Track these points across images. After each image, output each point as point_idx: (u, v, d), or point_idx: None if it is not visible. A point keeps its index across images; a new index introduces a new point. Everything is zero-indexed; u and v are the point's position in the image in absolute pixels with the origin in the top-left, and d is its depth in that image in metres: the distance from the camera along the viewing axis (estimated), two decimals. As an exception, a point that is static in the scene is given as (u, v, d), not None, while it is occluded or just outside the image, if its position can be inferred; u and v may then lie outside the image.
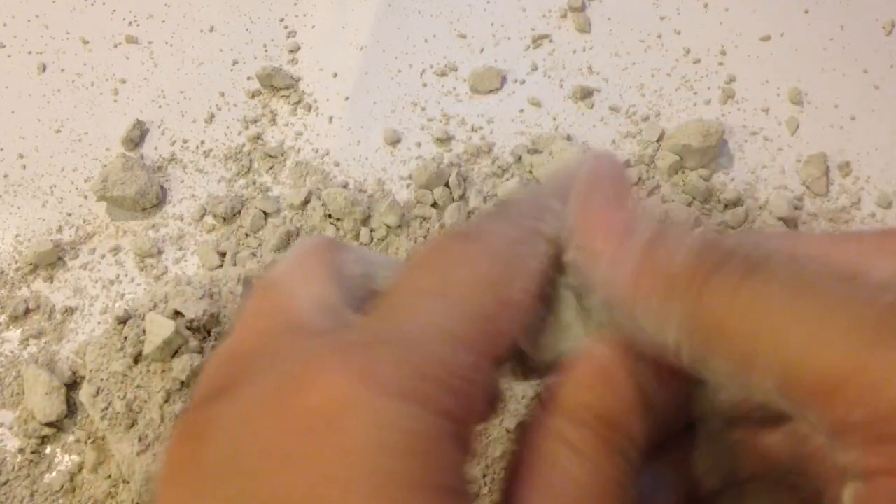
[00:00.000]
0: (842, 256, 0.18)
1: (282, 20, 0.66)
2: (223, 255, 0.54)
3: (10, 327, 0.54)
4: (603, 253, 0.19)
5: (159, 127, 0.61)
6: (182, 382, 0.45)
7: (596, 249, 0.19)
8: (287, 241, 0.55)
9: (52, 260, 0.56)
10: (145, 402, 0.45)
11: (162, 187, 0.59)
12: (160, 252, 0.56)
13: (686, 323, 0.17)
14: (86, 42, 0.66)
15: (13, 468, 0.49)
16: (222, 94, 0.62)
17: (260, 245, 0.55)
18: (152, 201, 0.58)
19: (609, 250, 0.19)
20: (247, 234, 0.56)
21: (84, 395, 0.46)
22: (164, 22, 0.66)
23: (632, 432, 0.19)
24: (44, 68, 0.64)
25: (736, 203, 0.55)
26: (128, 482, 0.45)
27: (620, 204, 0.20)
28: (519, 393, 0.45)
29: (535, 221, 0.20)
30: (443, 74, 0.62)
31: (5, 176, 0.60)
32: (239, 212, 0.57)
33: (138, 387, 0.45)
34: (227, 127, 0.61)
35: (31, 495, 0.48)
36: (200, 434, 0.18)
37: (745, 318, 0.16)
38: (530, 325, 0.20)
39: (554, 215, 0.20)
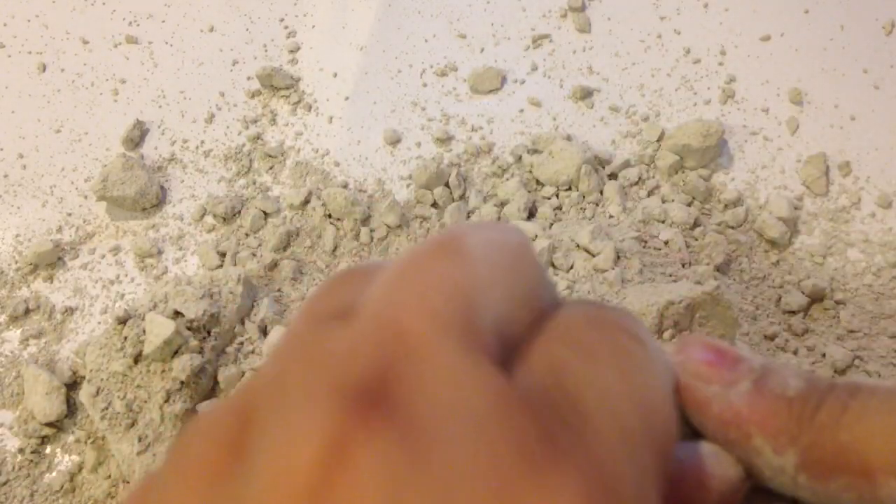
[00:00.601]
0: None
1: (282, 20, 0.66)
2: (223, 255, 0.54)
3: (10, 327, 0.54)
4: (715, 374, 0.19)
5: (159, 127, 0.61)
6: (182, 382, 0.45)
7: (707, 372, 0.19)
8: (287, 240, 0.55)
9: (52, 260, 0.56)
10: (145, 402, 0.45)
11: (162, 187, 0.59)
12: (160, 252, 0.56)
13: (803, 444, 0.17)
14: (86, 42, 0.66)
15: (13, 468, 0.49)
16: (222, 94, 0.62)
17: (260, 245, 0.55)
18: (152, 201, 0.58)
19: (721, 374, 0.19)
20: (247, 234, 0.56)
21: (84, 395, 0.46)
22: (164, 22, 0.66)
23: None
24: (44, 68, 0.64)
25: (736, 203, 0.55)
26: (128, 482, 0.45)
27: (722, 343, 0.20)
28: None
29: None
30: (443, 74, 0.62)
31: (5, 176, 0.60)
32: (239, 212, 0.57)
33: (138, 387, 0.45)
34: (227, 127, 0.61)
35: (31, 495, 0.48)
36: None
37: (855, 429, 0.17)
38: None
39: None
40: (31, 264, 0.56)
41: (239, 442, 0.13)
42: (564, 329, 0.17)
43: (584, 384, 0.15)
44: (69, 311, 0.54)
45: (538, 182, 0.56)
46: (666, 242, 0.52)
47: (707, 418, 0.19)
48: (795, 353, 0.49)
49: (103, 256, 0.56)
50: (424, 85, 0.62)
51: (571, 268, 0.50)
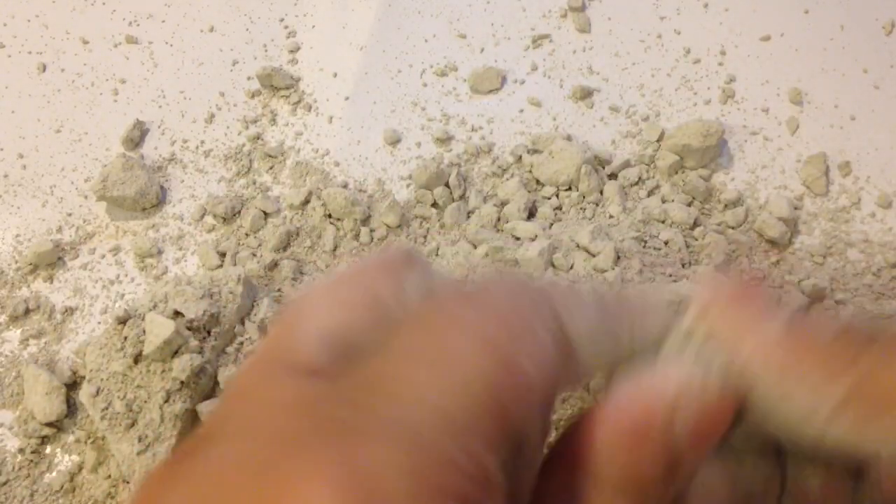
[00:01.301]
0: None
1: (282, 20, 0.66)
2: (223, 255, 0.54)
3: (10, 327, 0.54)
4: (746, 322, 0.18)
5: (159, 127, 0.62)
6: (182, 382, 0.45)
7: (738, 318, 0.19)
8: (287, 240, 0.55)
9: (52, 260, 0.56)
10: (145, 402, 0.45)
11: (162, 187, 0.59)
12: (160, 252, 0.56)
13: (849, 392, 0.17)
14: (86, 42, 0.66)
15: (13, 468, 0.49)
16: (222, 94, 0.62)
17: (260, 245, 0.55)
18: (152, 201, 0.58)
19: (753, 321, 0.18)
20: (247, 234, 0.56)
21: (84, 395, 0.46)
22: (164, 22, 0.66)
23: (660, 497, 0.18)
24: (44, 68, 0.64)
25: (736, 203, 0.55)
26: (128, 482, 0.45)
27: (755, 288, 0.20)
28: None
29: (552, 294, 0.18)
30: (443, 74, 0.62)
31: (5, 176, 0.60)
32: (239, 212, 0.57)
33: (138, 387, 0.45)
34: (227, 127, 0.61)
35: (31, 495, 0.48)
36: (168, 482, 0.16)
37: None
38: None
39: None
40: (31, 264, 0.56)
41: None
42: (410, 314, 0.18)
43: (399, 361, 0.16)
44: (69, 311, 0.54)
45: (538, 182, 0.56)
46: (666, 242, 0.52)
47: (743, 348, 0.18)
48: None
49: (103, 256, 0.56)
50: (424, 85, 0.62)
51: (571, 268, 0.50)
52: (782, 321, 0.18)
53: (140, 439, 0.44)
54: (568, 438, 0.18)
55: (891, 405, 0.17)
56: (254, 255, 0.54)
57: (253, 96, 0.62)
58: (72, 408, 0.50)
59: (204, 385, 0.46)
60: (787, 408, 0.18)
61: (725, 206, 0.55)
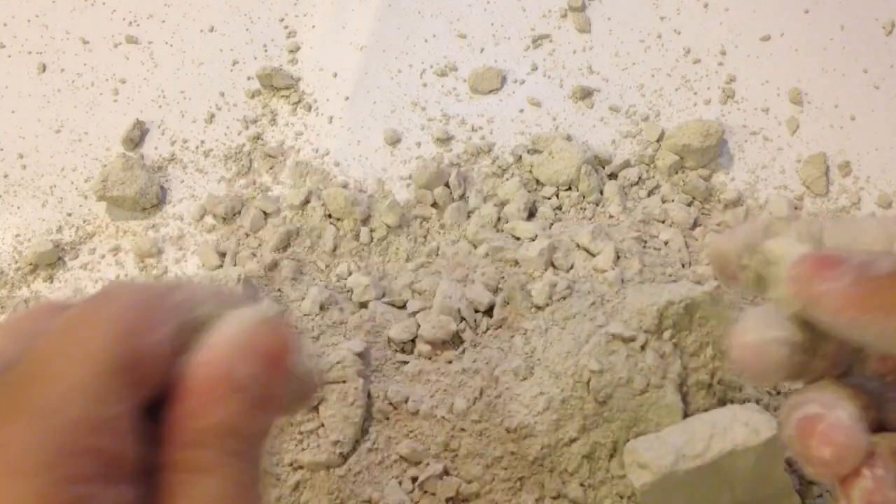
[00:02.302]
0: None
1: (282, 20, 0.66)
2: (223, 255, 0.54)
3: (10, 327, 0.54)
4: (824, 273, 0.22)
5: (159, 127, 0.62)
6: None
7: (817, 271, 0.22)
8: (287, 240, 0.55)
9: (52, 260, 0.56)
10: (145, 402, 0.45)
11: (162, 187, 0.59)
12: (160, 252, 0.56)
13: None
14: (86, 42, 0.66)
15: (13, 468, 0.49)
16: (222, 94, 0.62)
17: (260, 245, 0.55)
18: (152, 201, 0.58)
19: (825, 275, 0.22)
20: (247, 234, 0.56)
21: (84, 395, 0.46)
22: (164, 22, 0.66)
23: (244, 434, 0.19)
24: (44, 68, 0.64)
25: (736, 203, 0.55)
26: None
27: (826, 251, 0.23)
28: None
29: (167, 288, 0.21)
30: (443, 74, 0.62)
31: (5, 176, 0.60)
32: (239, 212, 0.57)
33: (138, 387, 0.45)
34: (227, 127, 0.61)
35: (31, 495, 0.48)
36: None
37: None
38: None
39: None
40: (31, 264, 0.56)
41: None
42: None
43: (36, 351, 0.19)
44: (69, 311, 0.54)
45: (538, 182, 0.56)
46: (666, 242, 0.52)
47: (820, 311, 0.22)
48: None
49: (103, 256, 0.56)
50: (424, 85, 0.62)
51: (571, 268, 0.50)
52: (851, 271, 0.22)
53: (140, 439, 0.44)
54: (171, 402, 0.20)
55: None
56: (254, 255, 0.54)
57: (253, 96, 0.62)
58: (72, 408, 0.50)
59: (204, 385, 0.46)
60: (864, 337, 0.22)
61: (725, 206, 0.55)
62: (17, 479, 0.16)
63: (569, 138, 0.58)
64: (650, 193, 0.56)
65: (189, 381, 0.19)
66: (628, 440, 0.41)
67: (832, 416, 0.23)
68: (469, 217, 0.55)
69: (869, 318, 0.21)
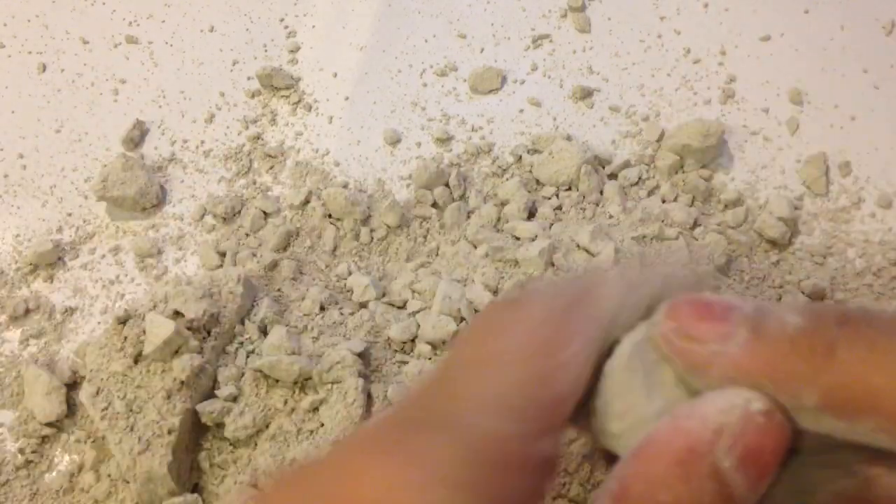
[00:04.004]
0: None
1: (282, 20, 0.66)
2: (223, 255, 0.54)
3: (10, 327, 0.54)
4: (708, 331, 0.18)
5: (159, 127, 0.62)
6: (182, 382, 0.45)
7: (700, 328, 0.18)
8: (287, 240, 0.55)
9: (52, 260, 0.56)
10: (145, 402, 0.45)
11: (162, 187, 0.59)
12: (160, 252, 0.56)
13: (824, 385, 0.16)
14: (86, 42, 0.66)
15: (13, 468, 0.49)
16: (222, 94, 0.62)
17: (260, 245, 0.55)
18: (152, 201, 0.58)
19: (715, 329, 0.18)
20: (247, 234, 0.56)
21: (84, 395, 0.46)
22: (164, 22, 0.66)
23: None
24: (44, 68, 0.65)
25: (736, 203, 0.55)
26: (128, 482, 0.45)
27: (709, 295, 0.19)
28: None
29: (589, 288, 0.19)
30: (443, 74, 0.62)
31: (5, 176, 0.60)
32: (239, 212, 0.57)
33: (138, 387, 0.45)
34: (227, 127, 0.61)
35: (32, 495, 0.48)
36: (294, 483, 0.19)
37: (889, 370, 0.16)
38: (597, 390, 0.19)
39: (606, 288, 0.20)
40: (31, 264, 0.56)
41: None
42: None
43: (447, 360, 0.19)
44: (69, 311, 0.54)
45: (538, 182, 0.56)
46: (666, 242, 0.52)
47: (711, 380, 0.18)
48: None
49: (103, 256, 0.56)
50: (424, 85, 0.62)
51: (571, 268, 0.50)
52: (745, 324, 0.18)
53: (140, 439, 0.44)
54: (618, 476, 0.18)
55: (865, 412, 0.16)
56: (254, 255, 0.54)
57: (253, 96, 0.62)
58: (72, 408, 0.50)
59: (204, 385, 0.46)
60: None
61: (725, 206, 0.55)
62: (434, 488, 0.16)
63: (569, 138, 0.58)
64: (650, 193, 0.56)
65: (659, 444, 0.17)
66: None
67: None
68: (469, 217, 0.55)
69: (779, 387, 0.17)
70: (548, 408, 0.18)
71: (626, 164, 0.57)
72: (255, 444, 0.45)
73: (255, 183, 0.58)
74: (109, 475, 0.47)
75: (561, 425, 0.18)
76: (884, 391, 0.16)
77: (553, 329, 0.18)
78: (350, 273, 0.53)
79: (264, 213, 0.56)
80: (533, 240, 0.51)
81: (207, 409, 0.45)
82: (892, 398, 0.16)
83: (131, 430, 0.44)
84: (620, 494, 0.17)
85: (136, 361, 0.45)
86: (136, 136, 0.61)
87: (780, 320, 0.17)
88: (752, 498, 0.17)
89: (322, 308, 0.50)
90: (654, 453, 0.17)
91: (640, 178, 0.56)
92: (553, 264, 0.50)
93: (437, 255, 0.54)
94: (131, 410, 0.44)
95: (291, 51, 0.64)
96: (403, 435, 0.17)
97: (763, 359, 0.17)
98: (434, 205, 0.56)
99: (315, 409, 0.45)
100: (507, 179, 0.56)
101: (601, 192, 0.55)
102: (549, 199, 0.55)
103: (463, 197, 0.56)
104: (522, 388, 0.17)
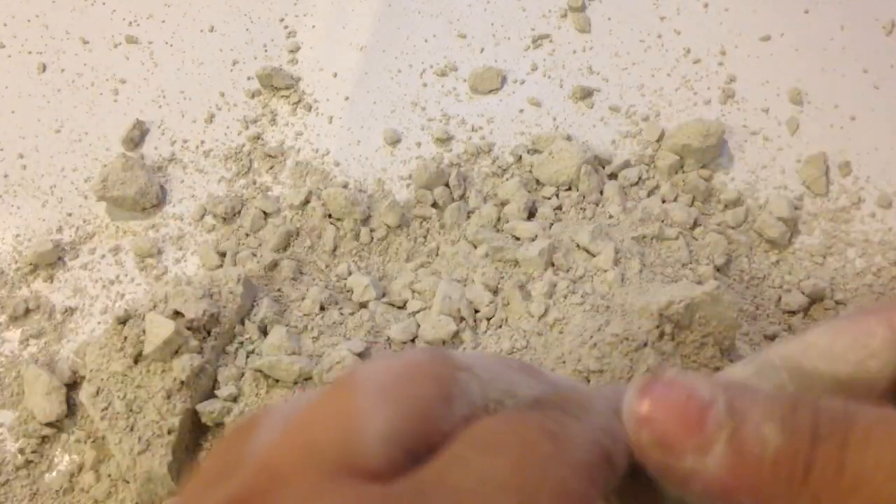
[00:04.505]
0: (842, 346, 0.20)
1: (282, 20, 0.66)
2: (223, 255, 0.54)
3: (10, 327, 0.54)
4: (686, 442, 0.18)
5: (159, 127, 0.62)
6: (182, 382, 0.45)
7: (674, 441, 0.18)
8: (287, 240, 0.55)
9: (52, 260, 0.56)
10: (145, 402, 0.45)
11: (162, 187, 0.59)
12: (160, 252, 0.56)
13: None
14: (86, 42, 0.66)
15: (13, 468, 0.49)
16: (222, 94, 0.62)
17: (260, 245, 0.55)
18: (152, 201, 0.58)
19: (690, 441, 0.18)
20: (247, 234, 0.56)
21: (84, 395, 0.46)
22: (164, 22, 0.66)
23: None
24: (44, 68, 0.64)
25: (736, 203, 0.55)
26: (128, 482, 0.45)
27: (681, 387, 0.18)
28: None
29: (610, 421, 0.19)
30: (443, 74, 0.62)
31: (5, 176, 0.60)
32: (239, 212, 0.57)
33: (138, 387, 0.45)
34: (227, 127, 0.61)
35: (32, 495, 0.48)
36: None
37: (858, 494, 0.16)
38: None
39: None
40: (31, 264, 0.56)
41: None
42: (477, 429, 0.17)
43: (468, 476, 0.16)
44: (69, 311, 0.54)
45: (538, 182, 0.56)
46: (666, 242, 0.52)
47: (692, 494, 0.18)
48: (795, 353, 0.49)
49: (103, 256, 0.56)
50: (424, 85, 0.62)
51: (571, 268, 0.50)
52: (721, 432, 0.17)
53: (140, 439, 0.44)
54: None
55: None
56: (254, 255, 0.54)
57: (253, 96, 0.62)
58: (72, 408, 0.50)
59: (204, 385, 0.46)
60: None
61: (725, 206, 0.55)
62: None
63: (569, 138, 0.58)
64: (650, 193, 0.56)
65: None
66: None
67: None
68: (469, 217, 0.55)
69: None
70: None
71: (626, 164, 0.57)
72: (255, 444, 0.45)
73: (255, 183, 0.58)
74: (109, 475, 0.47)
75: None
76: None
77: (585, 475, 0.17)
78: (350, 273, 0.53)
79: (264, 213, 0.56)
80: (533, 240, 0.51)
81: (207, 409, 0.45)
82: None
83: (131, 430, 0.44)
84: None
85: (136, 361, 0.45)
86: (136, 136, 0.61)
87: (757, 433, 0.17)
88: None
89: (322, 308, 0.50)
90: None
91: (640, 178, 0.56)
92: (553, 264, 0.50)
93: (437, 255, 0.54)
94: (131, 410, 0.44)
95: (291, 51, 0.64)
96: None
97: (744, 481, 0.17)
98: (434, 205, 0.56)
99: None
100: (507, 179, 0.56)
101: (601, 192, 0.55)
102: (549, 199, 0.55)
103: (463, 197, 0.56)
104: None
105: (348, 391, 0.18)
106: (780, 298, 0.52)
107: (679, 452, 0.18)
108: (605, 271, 0.48)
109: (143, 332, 0.45)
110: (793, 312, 0.51)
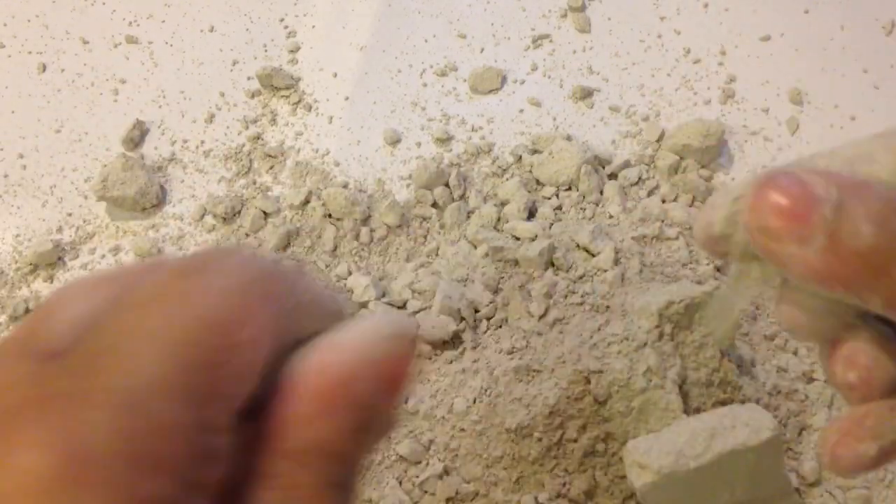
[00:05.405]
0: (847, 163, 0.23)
1: (282, 20, 0.66)
2: (223, 255, 0.54)
3: (10, 327, 0.54)
4: (788, 232, 0.20)
5: (159, 127, 0.62)
6: (182, 382, 0.45)
7: (778, 228, 0.20)
8: (287, 240, 0.55)
9: (52, 260, 0.56)
10: (145, 402, 0.45)
11: (162, 187, 0.59)
12: (160, 252, 0.56)
13: (886, 294, 0.19)
14: (86, 42, 0.66)
15: (13, 468, 0.49)
16: (222, 94, 0.62)
17: (260, 245, 0.55)
18: (152, 201, 0.58)
19: (793, 230, 0.20)
20: (247, 234, 0.56)
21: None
22: (164, 22, 0.66)
23: (348, 458, 0.17)
24: (44, 68, 0.64)
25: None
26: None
27: (799, 182, 0.21)
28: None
29: (277, 272, 0.18)
30: (443, 74, 0.62)
31: (5, 176, 0.60)
32: (239, 212, 0.57)
33: (138, 387, 0.45)
34: (227, 127, 0.61)
35: (31, 495, 0.48)
36: None
37: None
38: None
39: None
40: (31, 264, 0.56)
41: None
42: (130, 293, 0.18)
43: (121, 334, 0.16)
44: (69, 311, 0.54)
45: (538, 182, 0.56)
46: (666, 242, 0.52)
47: (789, 273, 0.21)
48: (795, 353, 0.49)
49: (103, 256, 0.56)
50: (424, 85, 0.62)
51: (571, 268, 0.50)
52: (822, 229, 0.19)
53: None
54: (265, 413, 0.18)
55: None
56: (254, 255, 0.54)
57: (253, 96, 0.62)
58: (72, 408, 0.50)
59: (204, 385, 0.46)
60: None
61: (725, 206, 0.55)
62: (82, 489, 0.14)
63: (569, 138, 0.58)
64: (650, 193, 0.56)
65: (300, 384, 0.17)
66: (628, 440, 0.41)
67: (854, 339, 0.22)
68: (469, 217, 0.55)
69: (849, 292, 0.20)
70: (219, 394, 0.16)
71: (626, 164, 0.57)
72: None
73: (255, 183, 0.58)
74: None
75: (228, 418, 0.16)
76: None
77: (231, 304, 0.17)
78: (350, 273, 0.53)
79: (264, 213, 0.56)
80: (533, 240, 0.51)
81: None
82: None
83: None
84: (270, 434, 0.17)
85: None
86: (136, 136, 0.61)
87: (854, 228, 0.19)
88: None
89: (322, 308, 0.50)
90: (293, 394, 0.17)
91: (640, 178, 0.56)
92: (553, 264, 0.50)
93: (437, 255, 0.54)
94: (131, 410, 0.44)
95: (291, 51, 0.64)
96: (55, 410, 0.15)
97: (838, 270, 0.19)
98: (434, 205, 0.56)
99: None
100: (507, 179, 0.56)
101: (601, 192, 0.55)
102: (549, 199, 0.55)
103: (463, 197, 0.56)
104: (190, 373, 0.16)
105: (59, 290, 0.18)
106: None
107: (782, 240, 0.20)
108: (605, 271, 0.48)
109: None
110: (793, 312, 0.51)
